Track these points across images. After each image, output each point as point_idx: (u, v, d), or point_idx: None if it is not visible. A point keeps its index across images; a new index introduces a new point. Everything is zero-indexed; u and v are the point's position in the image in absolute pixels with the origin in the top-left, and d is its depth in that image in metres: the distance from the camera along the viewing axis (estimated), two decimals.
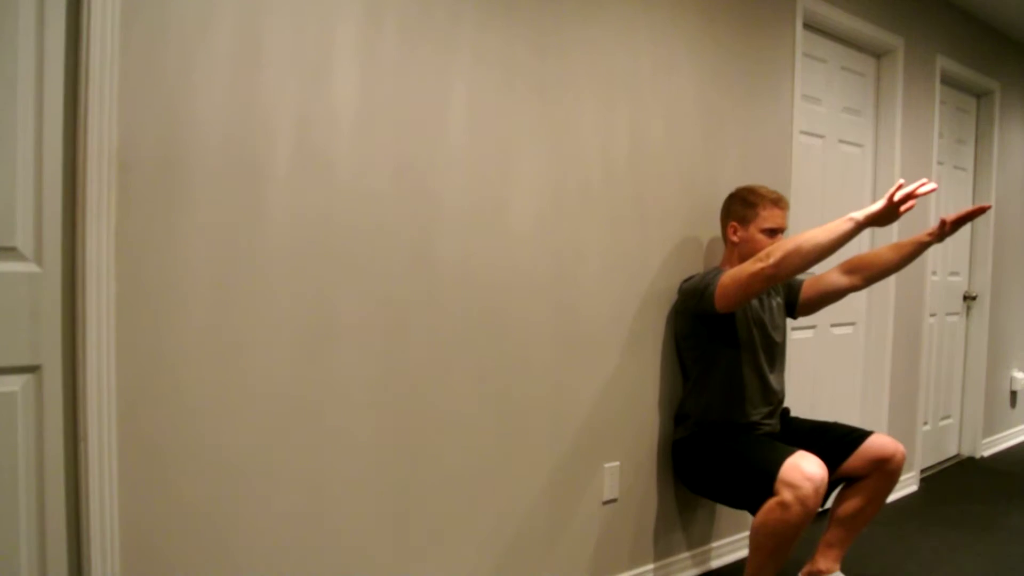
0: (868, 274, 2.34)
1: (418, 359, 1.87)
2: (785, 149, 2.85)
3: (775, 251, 2.00)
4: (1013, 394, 4.64)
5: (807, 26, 2.95)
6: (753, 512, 2.11)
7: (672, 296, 2.45)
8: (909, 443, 3.61)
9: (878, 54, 3.33)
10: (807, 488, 1.95)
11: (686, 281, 2.36)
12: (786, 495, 1.98)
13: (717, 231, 2.58)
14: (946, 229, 2.18)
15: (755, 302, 2.36)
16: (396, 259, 1.82)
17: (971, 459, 4.22)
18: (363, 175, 1.76)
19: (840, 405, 3.27)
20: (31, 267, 1.38)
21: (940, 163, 3.83)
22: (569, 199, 2.16)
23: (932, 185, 1.88)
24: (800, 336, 3.03)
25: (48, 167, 1.39)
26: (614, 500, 2.33)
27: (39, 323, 1.38)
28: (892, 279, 3.34)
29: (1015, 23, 4.01)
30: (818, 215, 3.07)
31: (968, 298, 4.19)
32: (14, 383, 1.36)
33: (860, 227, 1.94)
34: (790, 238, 2.02)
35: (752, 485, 2.08)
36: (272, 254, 1.63)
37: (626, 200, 2.31)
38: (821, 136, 3.10)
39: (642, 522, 2.43)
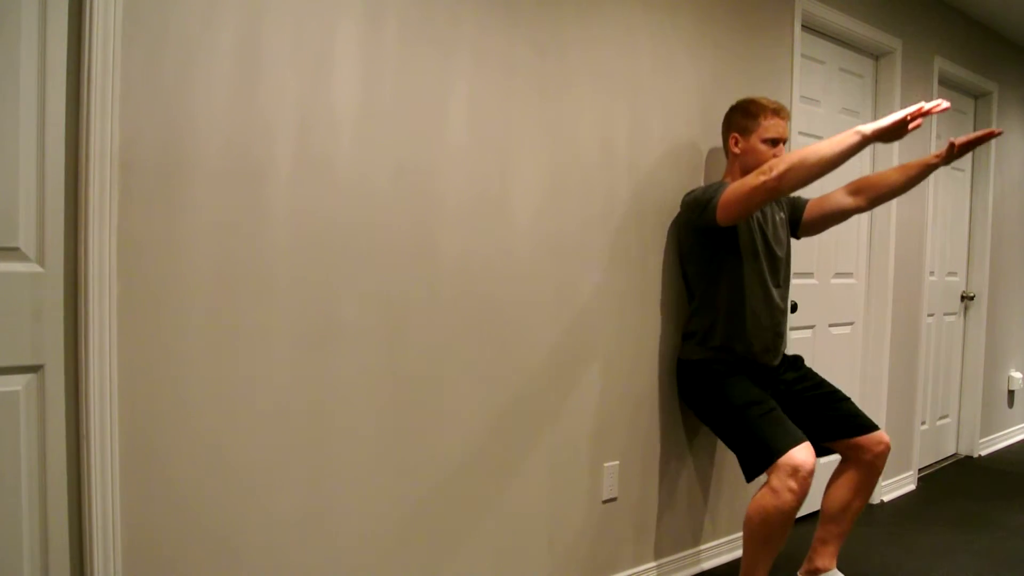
0: (873, 195, 2.30)
1: (418, 358, 1.88)
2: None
3: (778, 164, 1.97)
4: (1011, 393, 4.65)
5: (805, 27, 2.95)
6: (746, 476, 2.17)
7: (672, 296, 2.46)
8: (907, 442, 3.62)
9: (876, 55, 3.34)
10: (798, 478, 2.00)
11: (689, 194, 2.33)
12: (776, 482, 2.02)
13: None
14: (954, 151, 2.15)
15: (758, 213, 2.33)
16: (397, 258, 1.83)
17: (969, 458, 4.23)
18: (364, 175, 1.77)
19: None
20: (33, 267, 1.38)
21: None
22: (568, 198, 2.17)
23: (946, 104, 1.87)
24: (798, 336, 3.04)
25: (50, 167, 1.39)
26: (614, 499, 2.34)
27: (41, 323, 1.38)
28: (890, 279, 3.35)
29: (1013, 25, 4.02)
30: None
31: (966, 298, 4.21)
32: (16, 383, 1.36)
33: (867, 141, 1.89)
34: (794, 151, 1.98)
35: (752, 455, 2.13)
36: (273, 253, 1.64)
37: (625, 199, 2.32)
38: (820, 137, 3.11)
39: (642, 521, 2.43)
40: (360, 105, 1.75)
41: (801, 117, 2.95)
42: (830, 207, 2.37)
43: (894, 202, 3.34)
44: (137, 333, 1.47)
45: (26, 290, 1.37)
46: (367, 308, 1.78)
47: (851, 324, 3.33)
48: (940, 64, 3.64)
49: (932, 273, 3.86)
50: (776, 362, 2.37)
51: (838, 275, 3.23)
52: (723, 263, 2.28)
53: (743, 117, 2.33)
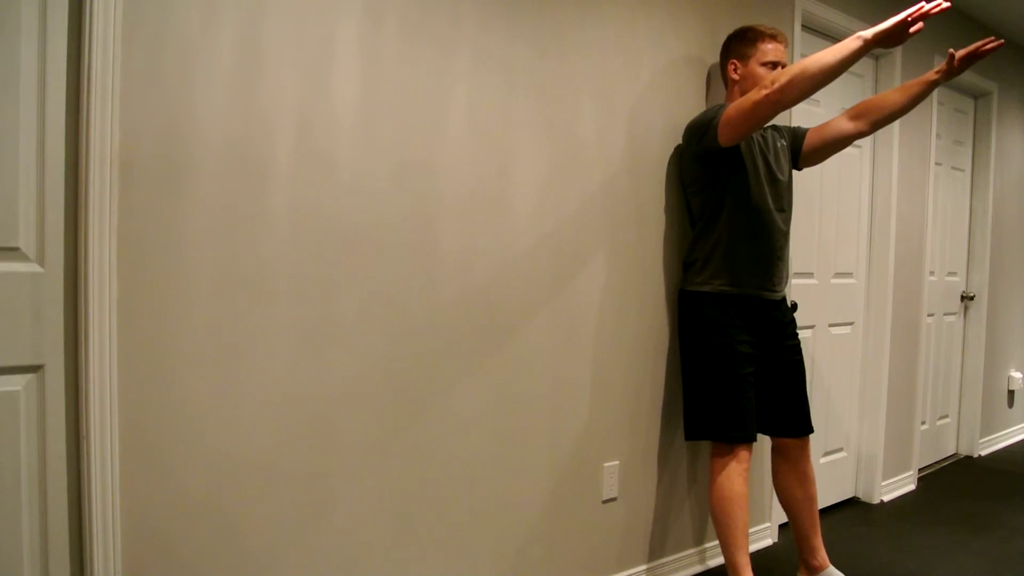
0: (875, 118, 2.25)
1: (418, 356, 1.88)
2: None
3: (780, 76, 1.93)
4: (1011, 393, 4.65)
5: (805, 27, 2.95)
6: (687, 433, 2.34)
7: (670, 296, 2.46)
8: (907, 442, 3.62)
9: (876, 55, 3.34)
10: (743, 467, 2.21)
11: (690, 123, 2.31)
12: (730, 469, 2.20)
13: None
14: (955, 65, 2.11)
15: (759, 138, 2.30)
16: (397, 257, 1.83)
17: (969, 458, 4.23)
18: (364, 174, 1.77)
19: (838, 405, 3.28)
20: (33, 267, 1.38)
21: (938, 164, 3.84)
22: (568, 198, 2.17)
23: (946, 4, 1.83)
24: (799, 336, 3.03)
25: (50, 167, 1.39)
26: (614, 499, 2.34)
27: (41, 323, 1.38)
28: (890, 279, 3.35)
29: (1012, 24, 4.02)
30: (816, 216, 3.08)
31: (966, 298, 4.20)
32: (17, 382, 1.36)
33: (868, 46, 1.84)
34: (795, 63, 1.95)
35: (705, 421, 2.27)
36: (274, 252, 1.64)
37: (625, 199, 2.32)
38: None
39: (641, 521, 2.43)
40: (360, 103, 1.75)
41: (801, 117, 2.95)
42: (831, 134, 2.32)
43: (894, 202, 3.34)
44: (137, 333, 1.47)
45: (26, 290, 1.37)
46: (368, 305, 1.78)
47: (851, 324, 3.33)
48: (940, 64, 3.62)
49: (932, 273, 3.86)
50: (778, 292, 2.32)
51: (838, 275, 3.23)
52: (726, 184, 2.23)
53: (741, 43, 2.31)
